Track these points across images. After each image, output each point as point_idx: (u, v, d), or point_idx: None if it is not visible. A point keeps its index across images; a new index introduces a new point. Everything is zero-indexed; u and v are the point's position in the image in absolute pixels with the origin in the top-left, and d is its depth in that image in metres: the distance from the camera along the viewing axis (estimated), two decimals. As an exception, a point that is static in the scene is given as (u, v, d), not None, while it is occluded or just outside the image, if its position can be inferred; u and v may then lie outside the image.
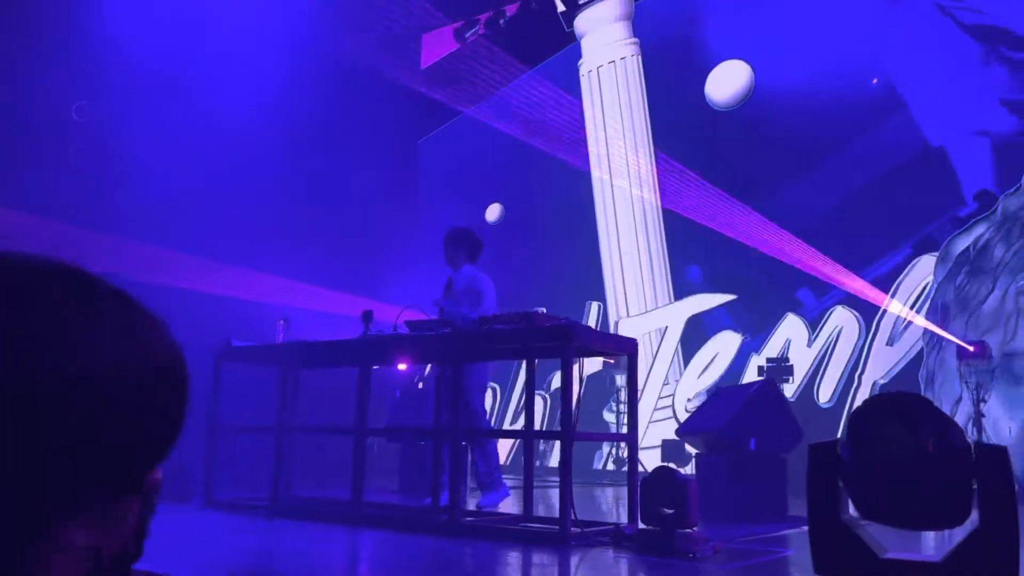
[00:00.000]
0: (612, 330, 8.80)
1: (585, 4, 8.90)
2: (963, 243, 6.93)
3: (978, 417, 6.32)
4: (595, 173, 9.25)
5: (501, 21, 10.05)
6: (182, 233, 7.45)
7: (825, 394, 7.46)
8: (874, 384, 7.20)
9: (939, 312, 6.96)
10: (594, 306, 9.24)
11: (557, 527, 4.03)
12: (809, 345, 7.63)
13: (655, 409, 8.53)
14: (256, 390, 5.93)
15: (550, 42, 9.65)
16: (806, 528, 2.23)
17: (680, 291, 8.65)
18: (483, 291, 5.40)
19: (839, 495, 2.13)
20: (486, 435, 5.73)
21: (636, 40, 8.86)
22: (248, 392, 5.89)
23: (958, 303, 6.87)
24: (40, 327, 0.51)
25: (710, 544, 3.70)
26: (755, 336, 8.03)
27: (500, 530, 4.36)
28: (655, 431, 8.33)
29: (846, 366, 7.38)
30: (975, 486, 2.00)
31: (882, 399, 2.33)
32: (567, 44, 9.62)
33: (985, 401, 6.44)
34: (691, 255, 8.64)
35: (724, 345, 8.17)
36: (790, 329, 7.77)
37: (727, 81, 8.21)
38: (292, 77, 8.43)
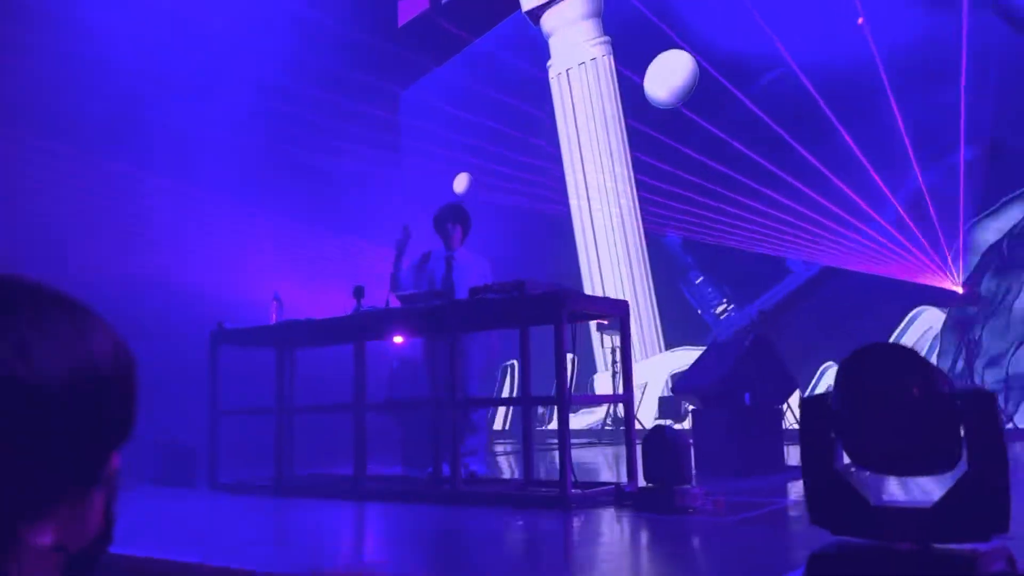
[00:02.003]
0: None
1: (551, 2, 8.58)
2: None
3: (969, 361, 6.39)
4: (569, 176, 9.02)
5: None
6: (165, 214, 7.41)
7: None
8: None
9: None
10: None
11: (558, 490, 4.09)
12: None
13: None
14: (255, 371, 5.96)
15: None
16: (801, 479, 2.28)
17: (656, 262, 8.55)
18: (489, 271, 5.46)
19: (832, 446, 2.17)
20: (483, 404, 5.79)
21: (607, 38, 8.60)
22: (247, 373, 5.91)
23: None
24: None
25: (709, 498, 3.77)
26: (741, 308, 8.06)
27: (502, 496, 4.42)
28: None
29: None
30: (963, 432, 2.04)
31: (868, 350, 2.37)
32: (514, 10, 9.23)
33: (978, 344, 6.51)
34: (666, 224, 8.56)
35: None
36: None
37: (668, 75, 7.97)
38: (275, 55, 8.31)
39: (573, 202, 9.06)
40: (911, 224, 7.11)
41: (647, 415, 8.01)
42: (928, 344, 6.99)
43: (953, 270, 6.86)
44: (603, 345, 8.82)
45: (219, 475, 5.46)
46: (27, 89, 6.77)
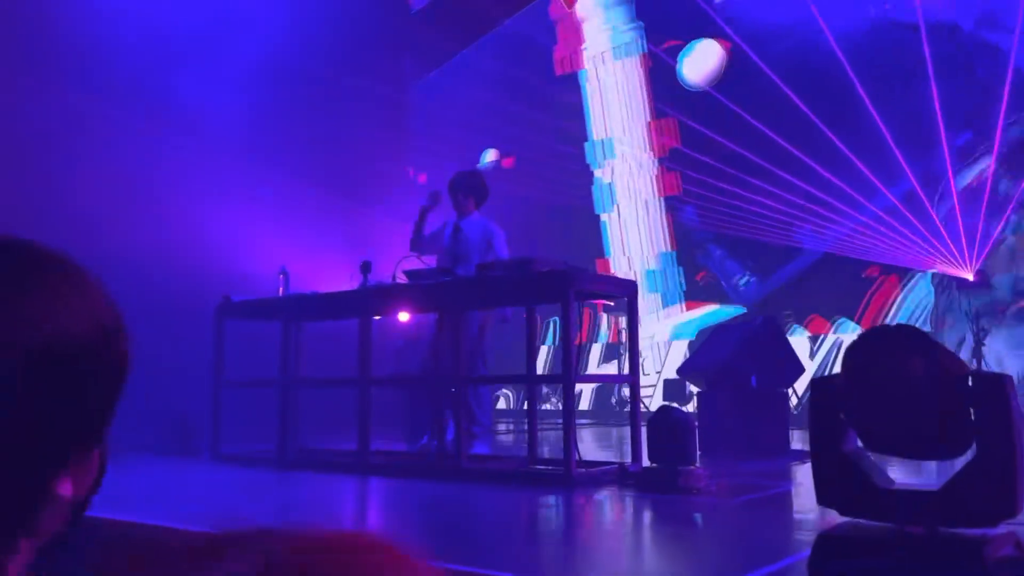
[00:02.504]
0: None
1: None
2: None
3: (978, 347, 6.36)
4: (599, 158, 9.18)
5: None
6: (173, 187, 7.38)
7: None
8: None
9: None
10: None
11: (562, 469, 4.08)
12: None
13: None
14: (261, 344, 5.96)
15: None
16: (809, 463, 2.26)
17: (678, 236, 8.64)
18: (498, 240, 5.43)
19: (841, 428, 2.15)
20: (489, 381, 5.78)
21: (640, 24, 8.87)
22: (252, 346, 5.91)
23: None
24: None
25: (713, 480, 3.76)
26: (762, 282, 8.05)
27: (505, 473, 4.42)
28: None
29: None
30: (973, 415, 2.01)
31: (876, 331, 2.34)
32: None
33: (986, 331, 6.47)
34: (687, 200, 8.58)
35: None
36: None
37: (701, 63, 8.12)
38: (284, 30, 8.25)
39: (600, 176, 9.12)
40: (931, 212, 7.05)
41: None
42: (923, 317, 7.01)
43: (966, 257, 6.81)
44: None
45: (222, 446, 5.47)
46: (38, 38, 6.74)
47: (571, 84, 9.55)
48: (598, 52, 9.20)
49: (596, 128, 9.31)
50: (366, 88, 9.50)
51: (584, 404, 8.91)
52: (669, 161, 8.68)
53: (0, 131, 6.42)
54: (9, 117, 6.47)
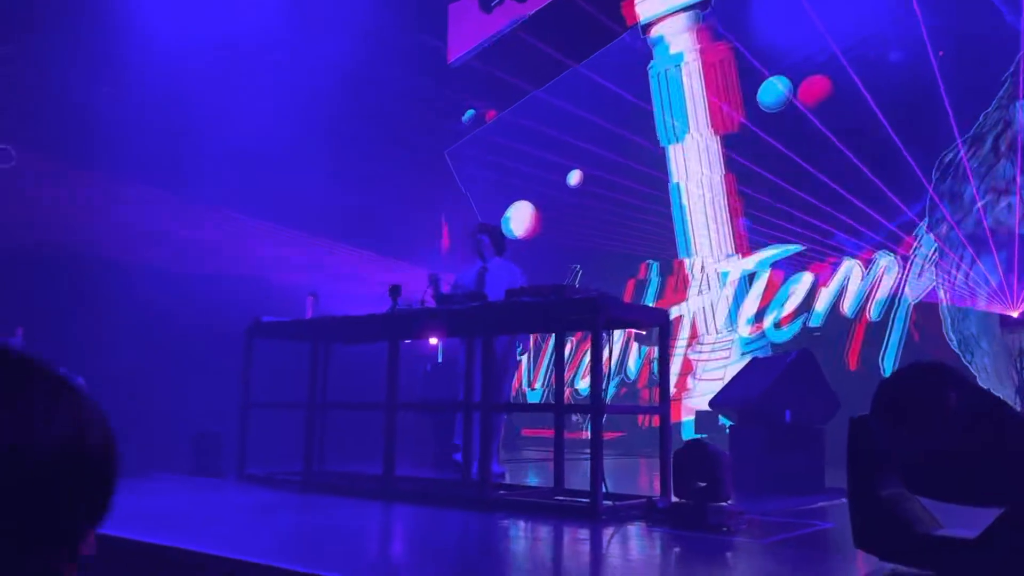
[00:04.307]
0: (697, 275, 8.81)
1: (664, 16, 9.56)
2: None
3: (1023, 386, 6.16)
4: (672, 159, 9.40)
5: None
6: (208, 211, 7.47)
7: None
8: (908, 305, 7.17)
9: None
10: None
11: (588, 501, 3.99)
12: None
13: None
14: (289, 365, 5.96)
15: (592, 37, 9.75)
16: (843, 500, 2.16)
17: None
18: (520, 279, 5.57)
19: (880, 469, 2.06)
20: (518, 409, 5.71)
21: (699, 46, 9.37)
22: (280, 367, 5.92)
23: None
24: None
25: (744, 518, 3.64)
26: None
27: (532, 504, 4.33)
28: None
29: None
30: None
31: (908, 368, 2.24)
32: (611, 39, 9.74)
33: None
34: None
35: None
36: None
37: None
38: (329, 55, 8.34)
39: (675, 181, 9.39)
40: (968, 246, 6.91)
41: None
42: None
43: (1009, 292, 6.64)
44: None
45: (248, 467, 5.45)
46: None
47: (607, 142, 9.64)
48: (663, 68, 9.52)
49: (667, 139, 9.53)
50: (403, 138, 9.64)
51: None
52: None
53: (47, 141, 6.57)
54: (56, 124, 6.61)
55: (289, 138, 7.87)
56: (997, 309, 6.63)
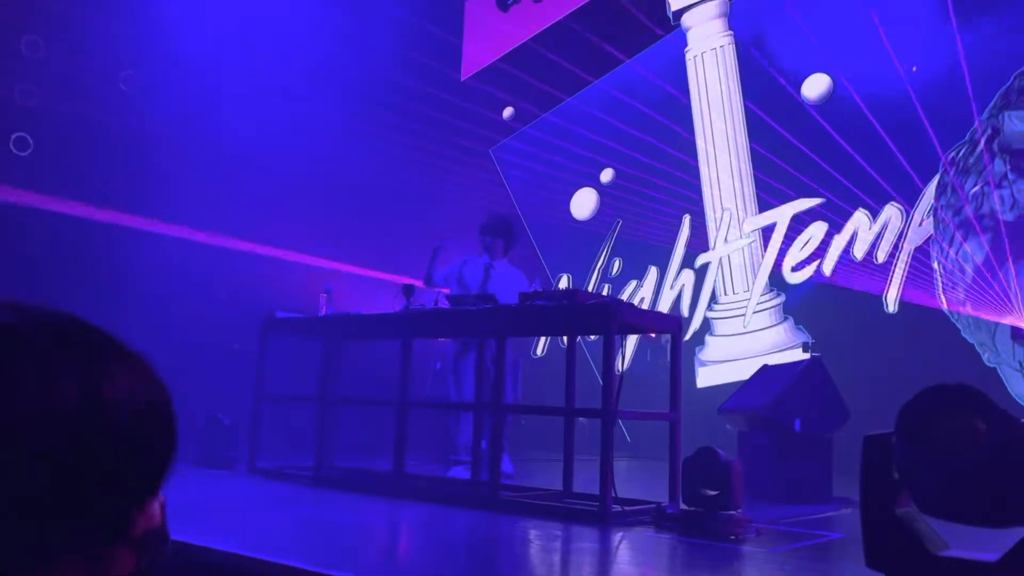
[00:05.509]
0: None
1: (692, 5, 9.84)
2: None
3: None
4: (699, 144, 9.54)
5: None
6: (226, 207, 7.51)
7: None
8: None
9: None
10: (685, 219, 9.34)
11: (597, 504, 4.01)
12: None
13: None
14: (302, 360, 6.00)
15: (636, 34, 9.87)
16: (851, 510, 2.17)
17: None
18: (526, 285, 5.56)
19: (894, 488, 2.07)
20: (528, 411, 5.73)
21: (731, 32, 9.59)
22: (291, 360, 5.96)
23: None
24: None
25: (753, 526, 3.66)
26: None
27: (540, 506, 4.35)
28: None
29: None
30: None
31: (933, 390, 2.25)
32: (656, 38, 9.94)
33: None
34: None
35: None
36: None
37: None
38: (348, 55, 8.35)
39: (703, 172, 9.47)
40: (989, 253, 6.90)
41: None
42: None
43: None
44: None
45: (259, 461, 5.49)
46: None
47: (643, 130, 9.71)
48: (699, 52, 9.71)
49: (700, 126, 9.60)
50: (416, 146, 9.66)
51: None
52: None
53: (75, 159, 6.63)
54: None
55: (301, 145, 7.93)
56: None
